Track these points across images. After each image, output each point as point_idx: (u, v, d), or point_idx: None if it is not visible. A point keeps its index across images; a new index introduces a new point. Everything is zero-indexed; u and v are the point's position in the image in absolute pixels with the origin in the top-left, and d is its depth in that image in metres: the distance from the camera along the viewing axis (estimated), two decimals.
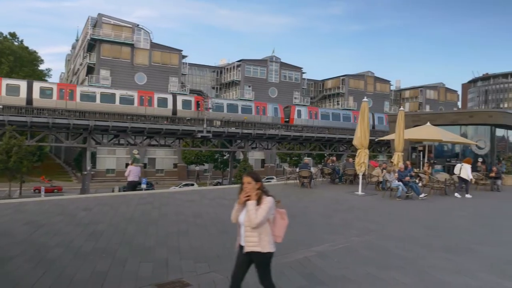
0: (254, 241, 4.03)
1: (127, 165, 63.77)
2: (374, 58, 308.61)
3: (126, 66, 61.23)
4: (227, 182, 53.55)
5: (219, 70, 79.48)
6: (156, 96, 45.63)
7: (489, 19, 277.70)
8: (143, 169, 61.72)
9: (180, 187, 43.21)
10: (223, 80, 77.77)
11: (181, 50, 66.91)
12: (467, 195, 15.72)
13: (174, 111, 45.57)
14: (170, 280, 5.37)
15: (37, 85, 40.03)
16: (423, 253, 7.02)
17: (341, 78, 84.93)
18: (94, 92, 42.72)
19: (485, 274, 5.93)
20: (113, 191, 39.90)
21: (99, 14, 60.11)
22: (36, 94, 38.94)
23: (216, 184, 52.61)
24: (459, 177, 16.29)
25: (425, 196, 14.67)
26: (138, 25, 62.75)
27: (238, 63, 73.67)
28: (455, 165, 20.20)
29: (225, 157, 59.60)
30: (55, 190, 46.67)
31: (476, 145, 23.81)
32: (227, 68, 77.17)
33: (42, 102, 39.24)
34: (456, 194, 15.86)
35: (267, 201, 4.00)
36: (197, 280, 5.41)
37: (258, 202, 3.98)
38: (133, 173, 15.22)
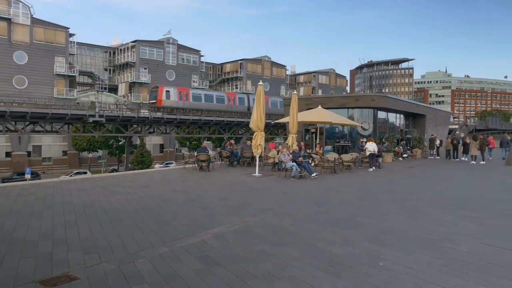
0: None
1: (7, 154, 57.49)
2: (271, 43, 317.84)
3: (3, 43, 54.62)
4: (123, 169, 51.33)
5: (112, 51, 74.96)
6: None
7: (374, 12, 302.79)
8: (27, 157, 56.39)
9: (70, 176, 40.34)
10: (117, 62, 73.60)
11: (68, 28, 61.61)
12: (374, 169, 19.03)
13: None
14: (55, 275, 4.96)
15: None
16: (313, 228, 7.46)
17: (239, 62, 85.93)
18: None
19: (366, 243, 6.52)
20: None
21: None
22: None
23: (112, 171, 50.13)
24: (372, 154, 19.11)
25: (316, 175, 15.60)
26: None
27: (133, 44, 70.18)
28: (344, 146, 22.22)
29: (120, 143, 56.86)
30: None
31: (361, 127, 25.91)
32: (121, 49, 73.11)
33: None
34: (373, 168, 18.98)
35: None
36: (86, 272, 5.09)
37: None
38: None
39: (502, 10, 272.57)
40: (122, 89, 70.99)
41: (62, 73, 59.96)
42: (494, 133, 72.34)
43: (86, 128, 45.57)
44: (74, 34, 64.51)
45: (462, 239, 6.79)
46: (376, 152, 19.35)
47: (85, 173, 46.90)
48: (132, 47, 70.18)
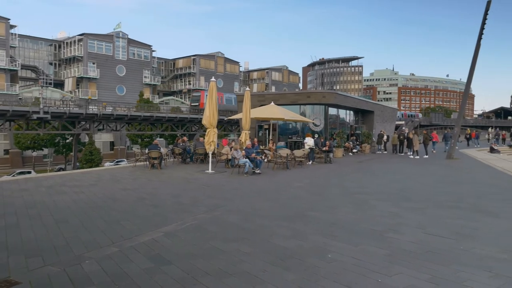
0: None
1: None
2: (224, 39, 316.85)
3: None
4: (71, 168, 49.34)
5: (57, 44, 71.55)
6: None
7: (325, 9, 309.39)
8: None
9: (13, 176, 38.22)
10: (63, 56, 70.35)
11: (9, 19, 58.23)
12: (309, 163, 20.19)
13: None
14: None
15: None
16: (265, 223, 7.55)
17: (192, 58, 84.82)
18: None
19: (314, 236, 6.68)
20: None
21: None
22: None
23: (58, 171, 48.01)
24: (312, 148, 20.36)
25: (259, 172, 15.57)
26: None
27: (80, 37, 67.36)
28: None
29: (68, 141, 54.53)
30: None
31: (313, 123, 26.44)
32: (67, 42, 69.94)
33: None
34: (312, 162, 20.28)
35: None
36: (29, 276, 4.85)
37: None
38: None
39: (445, 12, 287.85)
40: (68, 84, 67.98)
41: (3, 67, 56.63)
42: (437, 129, 76.31)
43: (30, 126, 43.29)
44: (15, 26, 61.05)
45: (406, 230, 7.12)
46: (314, 147, 20.66)
47: (29, 172, 44.58)
48: (79, 40, 67.37)
